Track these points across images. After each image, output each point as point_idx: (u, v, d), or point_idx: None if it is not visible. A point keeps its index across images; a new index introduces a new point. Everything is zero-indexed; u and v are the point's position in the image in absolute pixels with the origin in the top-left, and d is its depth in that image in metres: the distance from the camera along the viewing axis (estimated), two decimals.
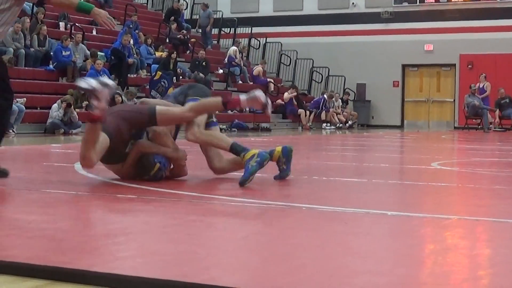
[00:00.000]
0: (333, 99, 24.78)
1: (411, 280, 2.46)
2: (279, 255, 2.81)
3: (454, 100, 26.34)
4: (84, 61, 17.79)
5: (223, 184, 5.54)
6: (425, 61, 26.52)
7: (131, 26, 21.51)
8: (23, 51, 16.65)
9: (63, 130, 14.87)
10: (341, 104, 25.41)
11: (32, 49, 17.10)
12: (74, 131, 14.93)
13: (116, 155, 5.24)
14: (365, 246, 3.05)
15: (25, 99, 14.97)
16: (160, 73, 18.48)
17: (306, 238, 3.20)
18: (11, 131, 13.92)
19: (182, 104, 5.60)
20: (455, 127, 25.56)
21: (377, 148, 12.56)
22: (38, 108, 15.72)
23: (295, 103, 23.63)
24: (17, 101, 14.63)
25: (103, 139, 5.00)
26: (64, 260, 2.59)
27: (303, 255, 2.81)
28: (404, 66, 26.98)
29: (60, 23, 20.02)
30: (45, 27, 17.80)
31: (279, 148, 5.71)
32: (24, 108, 14.68)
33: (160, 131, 5.39)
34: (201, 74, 21.47)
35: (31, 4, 18.98)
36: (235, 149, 5.57)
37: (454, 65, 26.26)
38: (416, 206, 4.63)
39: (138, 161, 5.36)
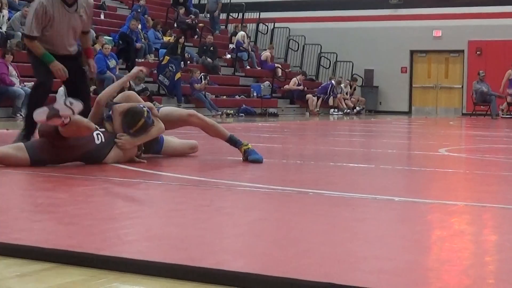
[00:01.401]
0: (341, 85, 24.73)
1: (418, 265, 2.46)
2: (286, 240, 2.82)
3: (462, 87, 26.25)
4: (92, 45, 17.76)
5: (230, 169, 5.55)
6: (434, 47, 26.39)
7: (139, 10, 21.46)
8: None
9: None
10: (349, 90, 25.37)
11: None
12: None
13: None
14: (372, 231, 3.05)
15: (33, 83, 14.98)
16: (168, 57, 18.46)
17: (313, 224, 3.19)
18: (18, 114, 13.94)
19: None
20: (463, 114, 25.48)
21: (385, 134, 12.53)
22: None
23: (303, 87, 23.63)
24: (24, 85, 14.65)
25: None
26: (71, 243, 2.59)
27: (310, 240, 2.81)
28: (412, 52, 26.87)
29: None
30: None
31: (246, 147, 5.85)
32: None
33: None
34: (208, 59, 21.44)
35: None
36: (233, 140, 5.84)
37: (463, 51, 26.13)
38: (423, 192, 4.63)
39: (124, 116, 5.42)
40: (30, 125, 6.26)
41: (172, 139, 6.11)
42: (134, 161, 5.46)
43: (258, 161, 5.68)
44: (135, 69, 6.08)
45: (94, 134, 5.31)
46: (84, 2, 6.43)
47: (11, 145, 5.24)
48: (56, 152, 5.10)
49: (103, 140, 5.34)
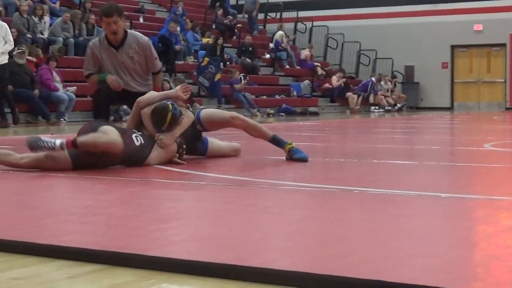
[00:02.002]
0: (382, 82, 24.59)
1: (467, 261, 2.43)
2: (333, 238, 2.81)
3: (505, 81, 25.92)
4: None
5: (273, 168, 5.56)
6: (475, 41, 26.08)
7: (177, 13, 21.58)
8: (72, 40, 16.83)
9: (112, 117, 15.02)
10: (390, 86, 25.20)
11: (81, 38, 17.26)
12: (124, 118, 15.07)
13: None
14: (419, 228, 3.02)
15: (75, 87, 15.16)
16: (207, 59, 18.53)
17: (358, 221, 3.18)
18: (62, 119, 14.11)
19: None
20: (506, 108, 25.16)
21: (427, 130, 12.42)
22: (88, 96, 15.87)
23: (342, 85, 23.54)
24: (67, 90, 14.83)
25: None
26: (119, 245, 2.62)
27: (356, 238, 2.80)
28: (453, 47, 26.60)
29: None
30: (93, 16, 17.95)
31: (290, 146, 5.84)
32: (75, 96, 14.85)
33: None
34: (247, 60, 21.47)
35: None
36: (276, 139, 5.85)
37: (505, 44, 25.80)
38: (469, 187, 4.58)
39: (152, 116, 5.47)
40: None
41: (215, 141, 6.13)
42: (175, 162, 5.49)
43: (304, 159, 5.67)
44: (177, 91, 6.01)
45: (133, 136, 5.35)
46: (134, 43, 6.53)
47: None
48: (96, 155, 5.13)
49: (143, 142, 5.37)
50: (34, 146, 5.03)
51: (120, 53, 6.50)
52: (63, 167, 5.07)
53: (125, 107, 13.02)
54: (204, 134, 6.00)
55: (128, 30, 6.67)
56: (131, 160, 5.30)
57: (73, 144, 5.04)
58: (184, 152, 5.59)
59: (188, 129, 5.70)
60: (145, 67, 6.61)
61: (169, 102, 5.57)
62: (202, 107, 6.53)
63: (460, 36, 25.99)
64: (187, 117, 5.67)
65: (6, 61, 12.53)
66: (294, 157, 5.68)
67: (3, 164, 5.18)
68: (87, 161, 5.13)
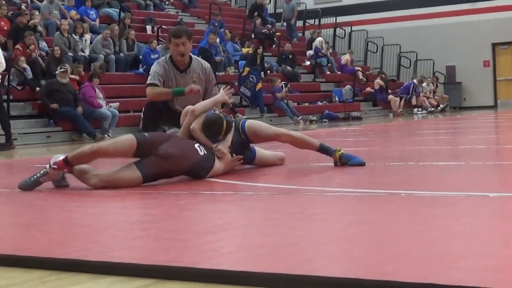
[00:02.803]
0: (424, 84, 24.39)
1: None
2: (382, 243, 2.78)
3: None
4: None
5: (318, 175, 5.53)
6: None
7: (216, 24, 21.68)
8: (113, 56, 17.03)
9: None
10: (432, 87, 24.98)
11: (121, 54, 17.46)
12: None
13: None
14: (469, 229, 2.98)
15: (118, 104, 15.32)
16: (248, 69, 18.55)
17: (407, 224, 3.15)
18: (106, 135, 14.25)
19: None
20: None
21: (472, 130, 12.27)
22: (131, 112, 16.03)
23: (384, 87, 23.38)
24: (110, 106, 14.98)
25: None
26: (169, 258, 2.62)
27: (406, 241, 2.77)
28: (494, 45, 26.25)
29: (147, 26, 20.34)
30: (133, 32, 18.15)
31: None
32: (118, 112, 15.00)
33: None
34: (288, 67, 21.47)
35: (118, 10, 19.38)
36: (324, 148, 5.79)
37: None
38: None
39: (206, 129, 5.49)
40: None
41: (262, 150, 6.14)
42: (233, 169, 5.54)
43: (361, 164, 5.66)
44: (222, 94, 6.07)
45: (196, 146, 5.34)
46: (198, 68, 6.57)
47: (121, 167, 5.22)
48: (165, 164, 5.10)
49: (206, 152, 5.36)
50: (23, 186, 5.09)
51: (184, 76, 6.52)
52: (134, 184, 5.05)
53: None
54: None
55: (192, 55, 6.68)
56: (197, 170, 5.27)
57: (64, 162, 5.11)
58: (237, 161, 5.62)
59: (236, 139, 5.72)
60: (203, 92, 6.63)
61: (217, 111, 5.62)
62: (244, 117, 6.50)
63: (500, 34, 25.63)
64: (232, 127, 5.71)
65: None
66: (349, 163, 5.64)
67: (81, 181, 5.20)
68: (157, 171, 5.10)
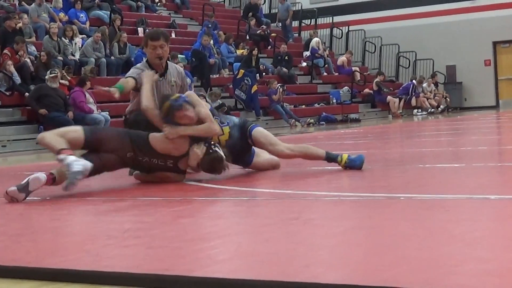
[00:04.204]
0: (425, 84, 24.35)
1: None
2: (381, 248, 2.74)
3: None
4: None
5: (315, 180, 5.47)
6: None
7: (210, 25, 21.57)
8: (104, 60, 16.85)
9: None
10: (433, 88, 24.93)
11: (112, 57, 17.30)
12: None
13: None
14: (470, 232, 2.94)
15: (108, 110, 15.03)
16: (243, 71, 18.44)
17: (407, 229, 3.10)
18: None
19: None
20: None
21: (473, 131, 12.23)
22: (123, 117, 15.85)
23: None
24: (100, 112, 14.82)
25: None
26: (163, 267, 2.59)
27: (406, 246, 2.72)
28: (495, 44, 26.14)
29: (139, 28, 20.18)
30: (125, 34, 17.96)
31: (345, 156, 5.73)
32: (109, 117, 14.78)
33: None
34: (284, 69, 21.38)
35: (108, 12, 19.25)
36: (330, 157, 5.72)
37: None
38: None
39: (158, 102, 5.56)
40: None
41: (260, 153, 6.06)
42: (193, 169, 5.52)
43: (361, 163, 5.58)
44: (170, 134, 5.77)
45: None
46: (174, 72, 6.45)
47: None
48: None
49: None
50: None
51: (162, 81, 6.41)
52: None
53: None
54: None
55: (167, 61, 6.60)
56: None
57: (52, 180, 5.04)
58: (223, 168, 5.50)
59: (239, 142, 5.72)
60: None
61: (177, 95, 5.61)
62: (255, 123, 6.33)
63: (502, 32, 25.48)
64: (207, 127, 5.50)
65: None
66: (355, 166, 5.57)
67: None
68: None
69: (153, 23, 20.63)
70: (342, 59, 24.49)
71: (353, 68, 24.14)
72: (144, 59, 6.54)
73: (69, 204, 4.80)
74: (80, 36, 17.46)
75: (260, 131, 5.88)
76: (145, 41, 6.35)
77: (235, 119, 6.00)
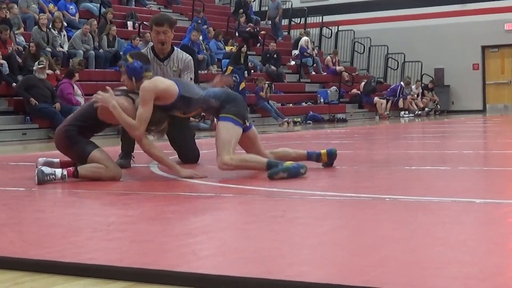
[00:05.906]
0: (413, 86, 24.39)
1: (505, 269, 2.36)
2: (365, 248, 2.74)
3: None
4: None
5: (301, 178, 5.46)
6: (506, 41, 25.57)
7: (199, 21, 21.49)
8: (92, 52, 16.74)
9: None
10: (421, 91, 24.98)
11: (101, 50, 17.22)
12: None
13: None
14: (454, 236, 2.95)
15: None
16: (231, 67, 18.37)
17: (391, 230, 3.11)
18: None
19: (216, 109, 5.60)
20: None
21: (459, 134, 12.27)
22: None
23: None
24: None
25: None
26: (146, 261, 2.58)
27: (389, 247, 2.73)
28: (483, 48, 26.21)
29: (128, 22, 20.03)
30: (114, 28, 17.86)
31: (324, 151, 5.72)
32: None
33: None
34: (272, 67, 21.36)
35: (98, 5, 19.15)
36: (271, 165, 5.37)
37: None
38: (505, 192, 4.48)
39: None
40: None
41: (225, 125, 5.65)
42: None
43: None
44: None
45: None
46: (177, 59, 6.47)
47: None
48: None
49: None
50: (41, 180, 5.19)
51: (162, 66, 6.43)
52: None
53: None
54: None
55: (176, 48, 6.59)
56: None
57: (74, 175, 5.33)
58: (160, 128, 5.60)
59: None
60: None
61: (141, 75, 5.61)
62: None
63: (490, 36, 25.55)
64: (132, 126, 5.44)
65: None
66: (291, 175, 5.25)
67: None
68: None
69: (143, 17, 20.53)
70: (327, 58, 24.47)
71: (337, 68, 24.03)
72: (150, 44, 6.59)
73: (54, 196, 4.78)
74: (69, 28, 17.36)
75: (222, 127, 5.53)
76: (150, 25, 6.44)
77: (217, 91, 5.77)
